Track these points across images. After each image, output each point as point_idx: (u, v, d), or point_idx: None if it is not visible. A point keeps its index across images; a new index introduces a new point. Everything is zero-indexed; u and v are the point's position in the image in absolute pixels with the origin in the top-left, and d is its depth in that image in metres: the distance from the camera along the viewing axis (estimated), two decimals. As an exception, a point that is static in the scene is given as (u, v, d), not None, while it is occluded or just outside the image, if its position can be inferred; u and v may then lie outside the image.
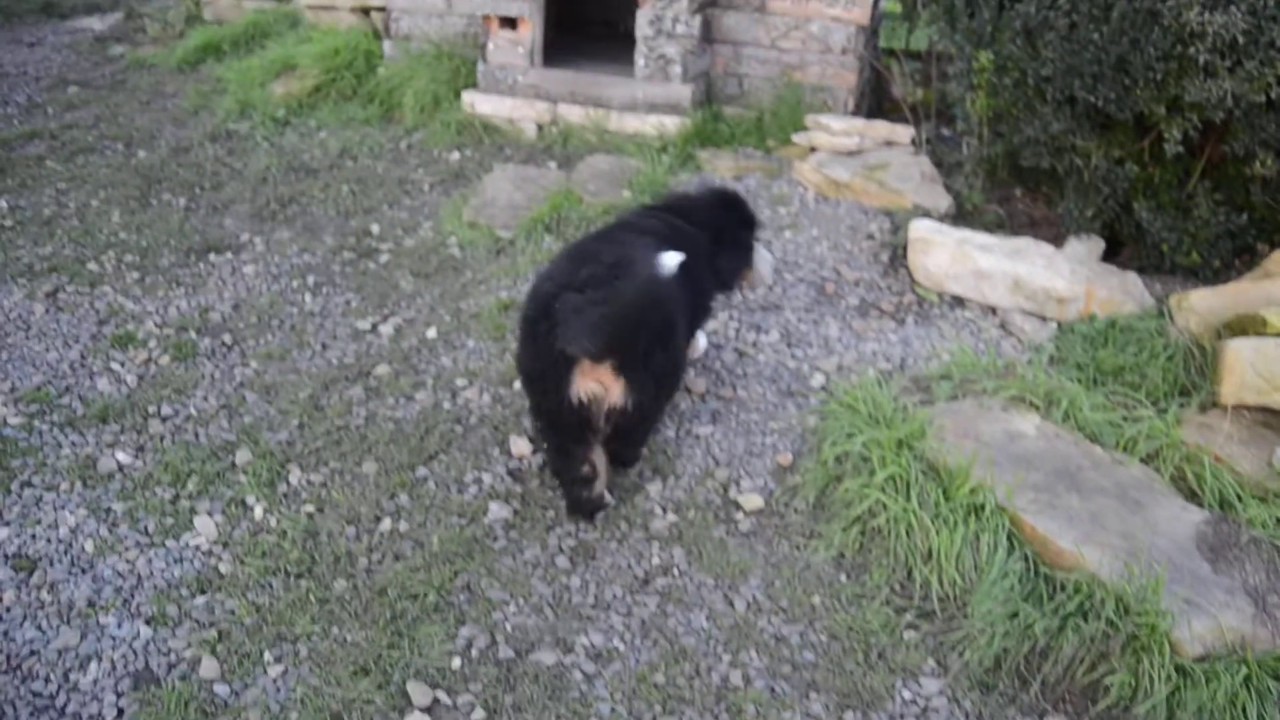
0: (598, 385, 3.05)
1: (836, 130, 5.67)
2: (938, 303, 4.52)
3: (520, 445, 3.69)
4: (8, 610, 3.00)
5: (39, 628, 2.95)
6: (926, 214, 5.01)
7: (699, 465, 3.62)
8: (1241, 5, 3.82)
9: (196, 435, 3.79)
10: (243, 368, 4.20)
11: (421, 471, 3.60)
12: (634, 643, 2.97)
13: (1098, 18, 4.22)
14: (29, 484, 3.50)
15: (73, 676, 2.80)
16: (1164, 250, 4.61)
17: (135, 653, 2.87)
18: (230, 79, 7.41)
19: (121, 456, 3.65)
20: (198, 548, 3.26)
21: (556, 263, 3.44)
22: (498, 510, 3.41)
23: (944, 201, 5.19)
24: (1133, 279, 4.41)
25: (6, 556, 3.19)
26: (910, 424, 3.46)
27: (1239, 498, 3.29)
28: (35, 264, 4.96)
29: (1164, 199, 4.59)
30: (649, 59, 6.16)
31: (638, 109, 6.23)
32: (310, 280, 4.89)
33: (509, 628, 2.99)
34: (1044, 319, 4.33)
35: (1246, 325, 3.71)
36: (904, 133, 5.74)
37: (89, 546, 3.24)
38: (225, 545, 3.28)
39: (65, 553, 3.22)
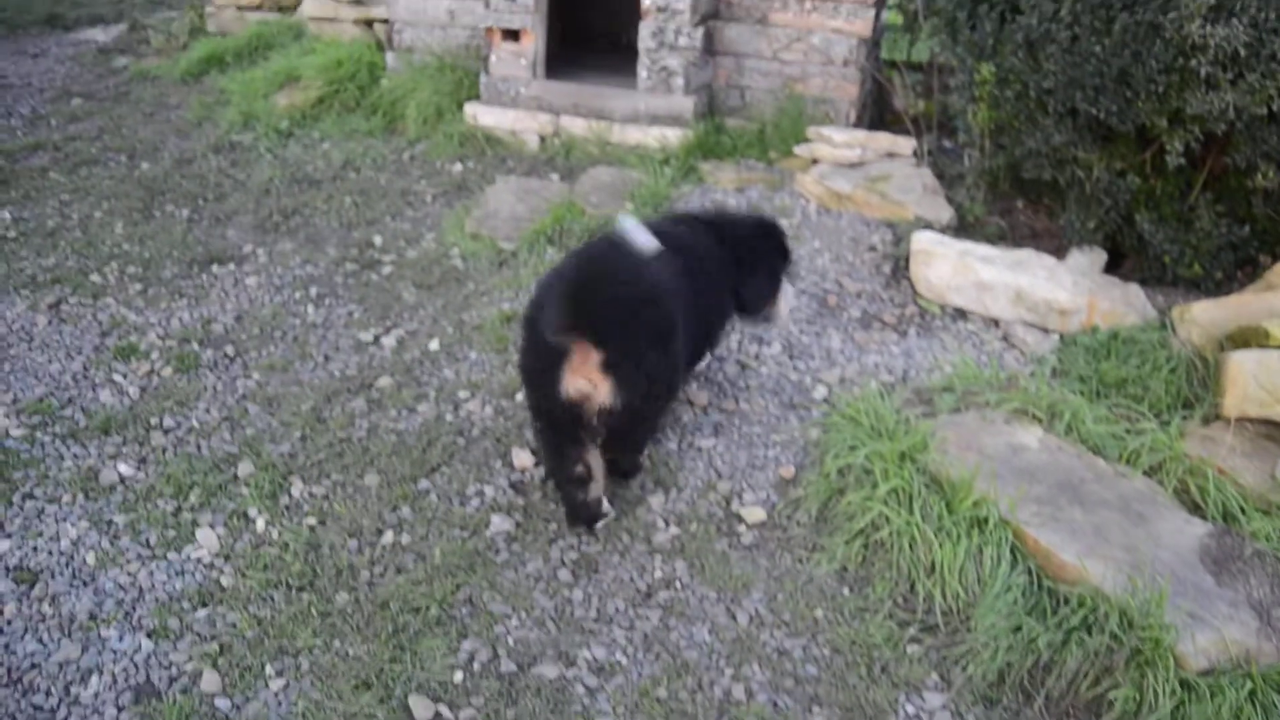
0: (587, 383, 3.04)
1: (838, 142, 5.68)
2: (940, 315, 4.52)
3: (522, 458, 3.69)
4: (9, 623, 2.99)
5: (40, 640, 2.94)
6: (928, 226, 5.02)
7: (701, 478, 3.62)
8: (1243, 18, 3.83)
9: (198, 447, 3.79)
10: (245, 379, 4.21)
11: (424, 484, 3.59)
12: (636, 656, 2.96)
13: (1099, 30, 4.22)
14: (31, 496, 3.50)
15: (74, 690, 2.79)
16: (1166, 262, 4.61)
17: (136, 666, 2.87)
18: (233, 90, 7.42)
19: (123, 468, 3.65)
20: (199, 560, 3.26)
21: (564, 261, 3.48)
22: (500, 523, 3.41)
23: (946, 213, 5.19)
24: (1135, 291, 4.41)
25: (8, 569, 3.19)
26: (913, 436, 3.45)
27: (1242, 510, 3.28)
28: (38, 275, 4.97)
29: (1166, 211, 4.59)
30: (651, 71, 6.17)
31: (640, 121, 6.24)
32: (313, 292, 4.89)
33: (511, 641, 2.99)
34: (1046, 331, 4.33)
35: (1249, 337, 3.71)
36: (906, 144, 5.75)
37: (90, 559, 3.24)
38: (227, 558, 3.27)
39: (67, 565, 3.22)
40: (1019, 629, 2.91)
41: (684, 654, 2.96)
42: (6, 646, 2.91)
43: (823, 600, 3.15)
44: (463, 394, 4.07)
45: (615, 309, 3.03)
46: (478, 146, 6.41)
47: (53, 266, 5.07)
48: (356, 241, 5.39)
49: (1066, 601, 2.94)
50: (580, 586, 3.19)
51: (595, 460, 3.31)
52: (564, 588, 3.18)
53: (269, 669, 2.87)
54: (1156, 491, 3.36)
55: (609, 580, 3.22)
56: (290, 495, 3.55)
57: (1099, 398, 3.83)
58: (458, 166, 6.23)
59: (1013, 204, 5.65)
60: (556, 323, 2.95)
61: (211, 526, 3.39)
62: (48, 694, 2.78)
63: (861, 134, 5.81)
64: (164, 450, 3.76)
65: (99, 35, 9.66)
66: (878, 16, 6.47)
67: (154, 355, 4.34)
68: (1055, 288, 4.31)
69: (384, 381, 4.16)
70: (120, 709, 2.74)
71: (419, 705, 2.76)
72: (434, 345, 4.41)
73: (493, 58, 6.48)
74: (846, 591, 3.18)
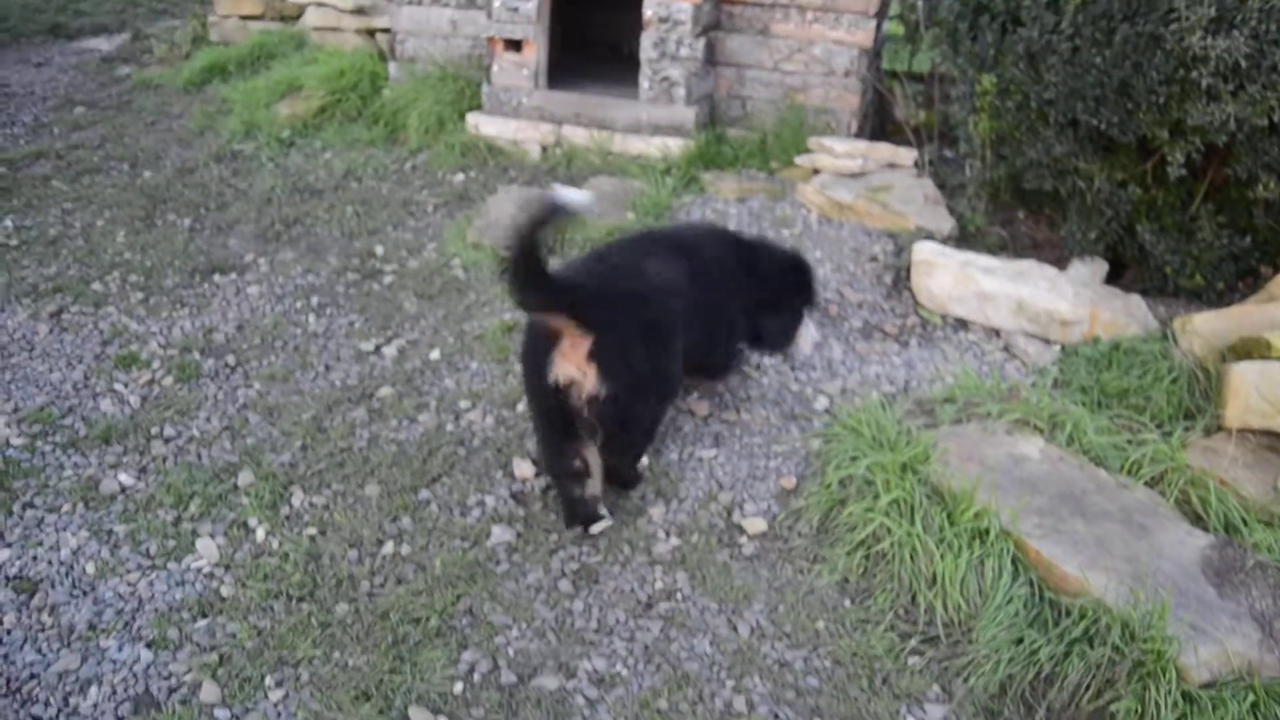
0: (575, 369, 3.09)
1: (839, 152, 5.68)
2: (941, 325, 4.52)
3: (523, 468, 3.69)
4: (8, 633, 2.99)
5: (39, 651, 2.94)
6: (929, 236, 5.02)
7: (702, 488, 3.61)
8: (1244, 30, 3.84)
9: (199, 457, 3.79)
10: (246, 389, 4.20)
11: (424, 494, 3.59)
12: (637, 668, 2.95)
13: (1100, 42, 4.23)
14: (31, 505, 3.50)
15: (73, 700, 2.79)
16: (1167, 273, 4.61)
17: (136, 676, 2.86)
18: (236, 100, 7.44)
19: (124, 478, 3.65)
20: (199, 570, 3.25)
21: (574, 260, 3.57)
22: (500, 533, 3.40)
23: (947, 224, 5.19)
24: (1136, 301, 4.41)
25: (7, 578, 3.19)
26: (914, 447, 3.45)
27: (1244, 521, 3.27)
28: (40, 284, 4.97)
29: (1167, 221, 4.59)
30: (653, 81, 6.18)
31: (642, 131, 6.25)
32: (314, 301, 4.89)
33: (511, 652, 2.98)
34: (1047, 341, 4.33)
35: (1250, 348, 3.71)
36: (907, 155, 5.76)
37: (90, 569, 3.24)
38: (227, 568, 3.27)
39: (66, 575, 3.22)
40: (1021, 641, 2.91)
41: (685, 665, 2.96)
42: (5, 657, 2.91)
43: (824, 612, 3.14)
44: (464, 404, 4.06)
45: (609, 299, 3.15)
46: (479, 156, 6.42)
47: (54, 275, 5.07)
48: (358, 251, 5.39)
49: (1068, 613, 2.93)
50: (581, 597, 3.19)
51: (593, 458, 3.33)
52: (565, 598, 3.18)
53: (268, 680, 2.86)
54: (1158, 503, 3.36)
55: (610, 591, 3.21)
56: (291, 505, 3.55)
57: (1100, 408, 3.82)
58: (459, 176, 6.24)
59: (1014, 214, 5.66)
60: (536, 298, 3.08)
61: (212, 536, 3.39)
62: (46, 704, 2.77)
63: (863, 144, 5.82)
64: (164, 460, 3.76)
65: (102, 44, 9.69)
66: (879, 27, 6.48)
67: (155, 364, 4.34)
68: (1057, 298, 4.31)
69: (385, 391, 4.16)
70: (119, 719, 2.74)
71: (419, 716, 2.75)
72: (435, 355, 4.41)
73: (495, 67, 6.49)
74: (848, 603, 3.18)
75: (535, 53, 6.39)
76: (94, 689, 2.82)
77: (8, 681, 2.83)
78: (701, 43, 6.11)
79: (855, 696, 2.87)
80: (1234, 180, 4.38)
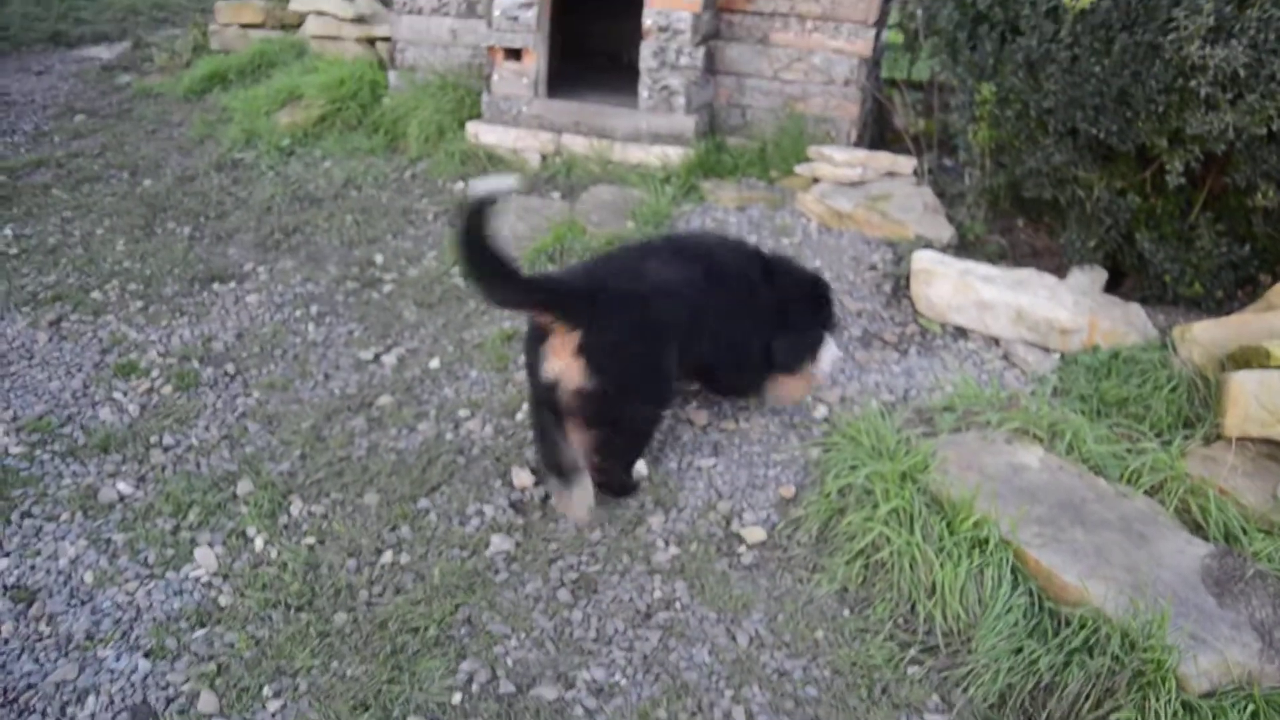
0: (563, 365, 3.17)
1: (839, 161, 5.69)
2: (940, 334, 4.51)
3: (522, 477, 3.68)
4: (5, 642, 2.98)
5: (36, 660, 2.93)
6: (929, 245, 5.02)
7: (701, 497, 3.61)
8: (1242, 39, 3.84)
9: (198, 465, 3.78)
10: (245, 398, 4.20)
11: (423, 503, 3.59)
12: (635, 678, 2.94)
13: (1099, 51, 4.24)
14: (29, 514, 3.50)
15: (70, 710, 2.78)
16: (1166, 281, 4.61)
17: (133, 686, 2.86)
18: (236, 108, 7.45)
19: (123, 487, 3.65)
20: (198, 579, 3.25)
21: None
22: (499, 543, 3.40)
23: (946, 232, 5.20)
24: (1135, 310, 4.41)
25: (5, 588, 3.18)
26: (914, 456, 3.45)
27: (1244, 530, 3.27)
28: (39, 292, 4.97)
29: (1166, 230, 4.59)
30: (653, 90, 6.19)
31: (641, 140, 6.25)
32: (313, 310, 4.90)
33: (510, 662, 2.97)
34: (1047, 350, 4.33)
35: (1250, 357, 3.71)
36: (906, 163, 5.76)
37: (89, 578, 3.23)
38: (225, 577, 3.26)
39: (64, 584, 3.21)
40: (1020, 650, 2.90)
41: (683, 675, 2.95)
42: (3, 666, 2.90)
43: (823, 621, 3.13)
44: (463, 413, 4.06)
45: (595, 296, 3.21)
46: (479, 165, 6.43)
47: (54, 284, 5.08)
48: (357, 260, 5.39)
49: (1068, 623, 2.93)
50: (580, 607, 3.18)
51: (585, 455, 3.37)
52: (563, 608, 3.17)
53: (266, 690, 2.86)
54: (1158, 511, 3.35)
55: (608, 600, 3.21)
56: (289, 514, 3.54)
57: (1100, 417, 3.82)
58: (459, 185, 6.24)
59: (1013, 223, 5.66)
60: (503, 295, 3.26)
61: (210, 545, 3.38)
62: (44, 715, 2.77)
63: (862, 153, 5.82)
64: (163, 468, 3.76)
65: (103, 52, 9.71)
66: (878, 36, 6.49)
67: (154, 373, 4.34)
68: (1056, 307, 4.31)
69: (384, 400, 4.16)
70: (117, 730, 2.73)
71: (417, 727, 2.74)
72: (434, 364, 4.40)
73: (495, 76, 6.50)
74: (847, 612, 3.17)
75: (535, 61, 6.40)
76: (91, 699, 2.81)
77: (4, 691, 2.82)
78: (701, 51, 6.12)
79: (854, 706, 2.87)
80: (1233, 189, 4.38)
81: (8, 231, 5.66)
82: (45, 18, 10.57)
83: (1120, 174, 4.62)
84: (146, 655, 2.95)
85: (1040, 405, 3.79)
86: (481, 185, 2.95)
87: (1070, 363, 4.21)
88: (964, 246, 5.21)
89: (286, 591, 3.19)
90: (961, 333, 4.51)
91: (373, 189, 6.24)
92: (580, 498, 3.44)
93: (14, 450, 3.80)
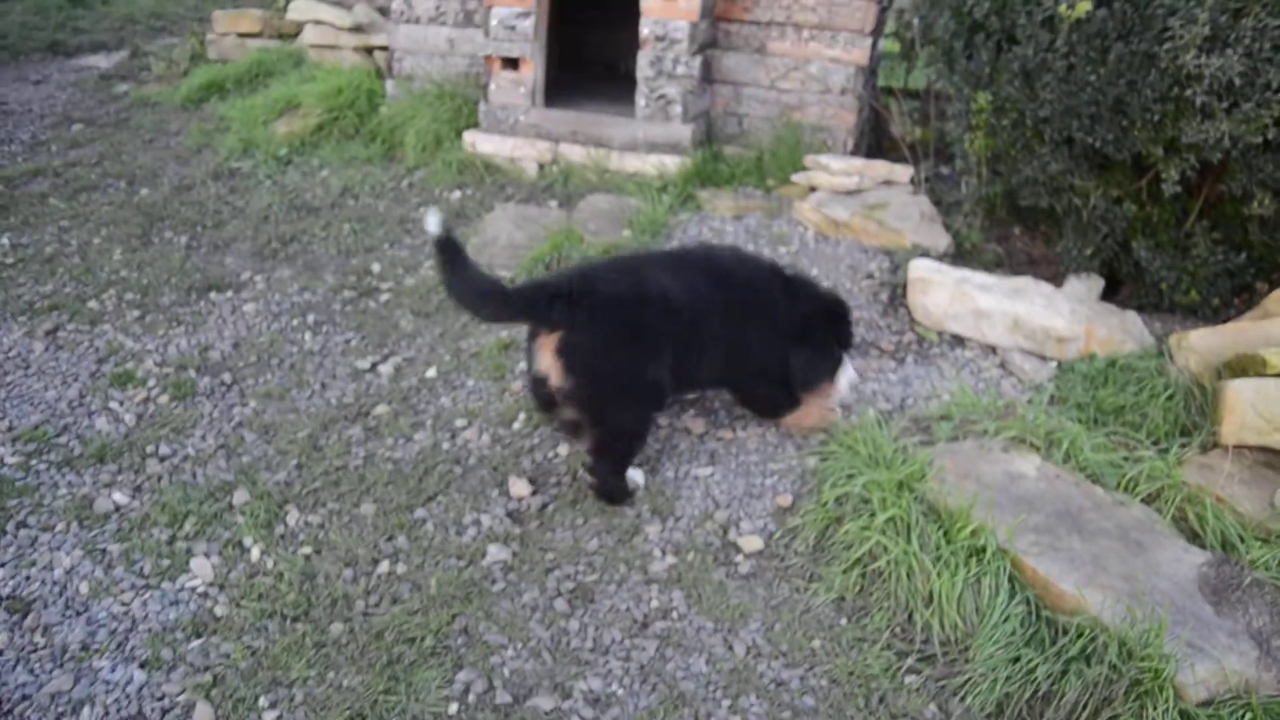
0: (549, 362, 3.34)
1: (836, 170, 5.70)
2: (937, 342, 4.52)
3: (519, 486, 3.68)
4: (0, 654, 2.97)
5: (31, 671, 2.92)
6: (925, 253, 5.03)
7: (698, 507, 3.61)
8: (1238, 48, 3.85)
9: (194, 475, 3.78)
10: (241, 407, 4.20)
11: (420, 513, 3.58)
12: (633, 687, 2.94)
13: (1095, 60, 4.25)
14: (24, 524, 3.49)
15: (65, 722, 2.78)
16: (1163, 289, 4.62)
17: (129, 697, 2.84)
18: (233, 117, 7.46)
19: (118, 497, 3.64)
20: (194, 590, 3.24)
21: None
22: (496, 552, 3.39)
23: (943, 240, 5.20)
24: (1132, 318, 4.41)
25: (0, 598, 3.17)
26: (911, 465, 3.45)
27: (1241, 539, 3.27)
28: (36, 302, 4.97)
29: (1162, 238, 4.60)
30: (649, 99, 6.20)
31: (638, 149, 6.26)
32: (310, 319, 4.89)
33: (507, 672, 2.97)
34: (1044, 358, 4.33)
35: (1246, 365, 3.71)
36: (903, 172, 5.77)
37: (84, 588, 3.22)
38: (221, 587, 3.25)
39: (60, 595, 3.20)
40: (1018, 659, 2.90)
41: (681, 685, 2.94)
42: (-2, 677, 2.90)
43: (820, 630, 3.13)
44: (460, 422, 4.06)
45: (574, 300, 3.30)
46: (476, 174, 6.43)
47: (50, 293, 5.07)
48: (355, 269, 5.39)
49: (1065, 631, 2.92)
50: (577, 616, 3.18)
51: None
52: (560, 618, 3.17)
53: (262, 701, 2.85)
54: (1155, 520, 3.35)
55: (605, 610, 3.20)
56: (286, 524, 3.53)
57: (1097, 425, 3.82)
58: (456, 194, 6.25)
59: (1010, 231, 5.67)
60: (490, 311, 3.54)
61: (206, 555, 3.38)
62: (39, 726, 2.76)
63: (859, 161, 5.83)
64: (159, 478, 3.75)
65: (100, 62, 9.72)
66: (875, 45, 6.51)
67: (151, 382, 4.34)
68: (1053, 315, 4.31)
69: (381, 409, 4.16)
70: (112, 741, 2.72)
71: (413, 737, 2.74)
72: (431, 373, 4.40)
73: (492, 86, 6.51)
74: (844, 621, 3.16)
75: (532, 71, 6.41)
76: (86, 710, 2.80)
77: None
78: (698, 61, 6.13)
79: (852, 716, 2.86)
80: (1229, 197, 4.39)
81: (4, 241, 5.65)
82: (43, 27, 10.59)
83: (1116, 182, 4.62)
84: (142, 666, 2.94)
85: (1037, 413, 3.80)
86: (429, 220, 3.20)
87: (1067, 371, 4.22)
88: (961, 255, 5.22)
89: (283, 602, 3.18)
90: (958, 341, 4.51)
91: (370, 198, 6.25)
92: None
93: (10, 460, 3.79)
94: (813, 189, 5.75)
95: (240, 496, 3.64)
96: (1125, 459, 3.59)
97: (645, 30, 6.07)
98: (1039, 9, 4.42)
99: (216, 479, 3.75)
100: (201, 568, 3.32)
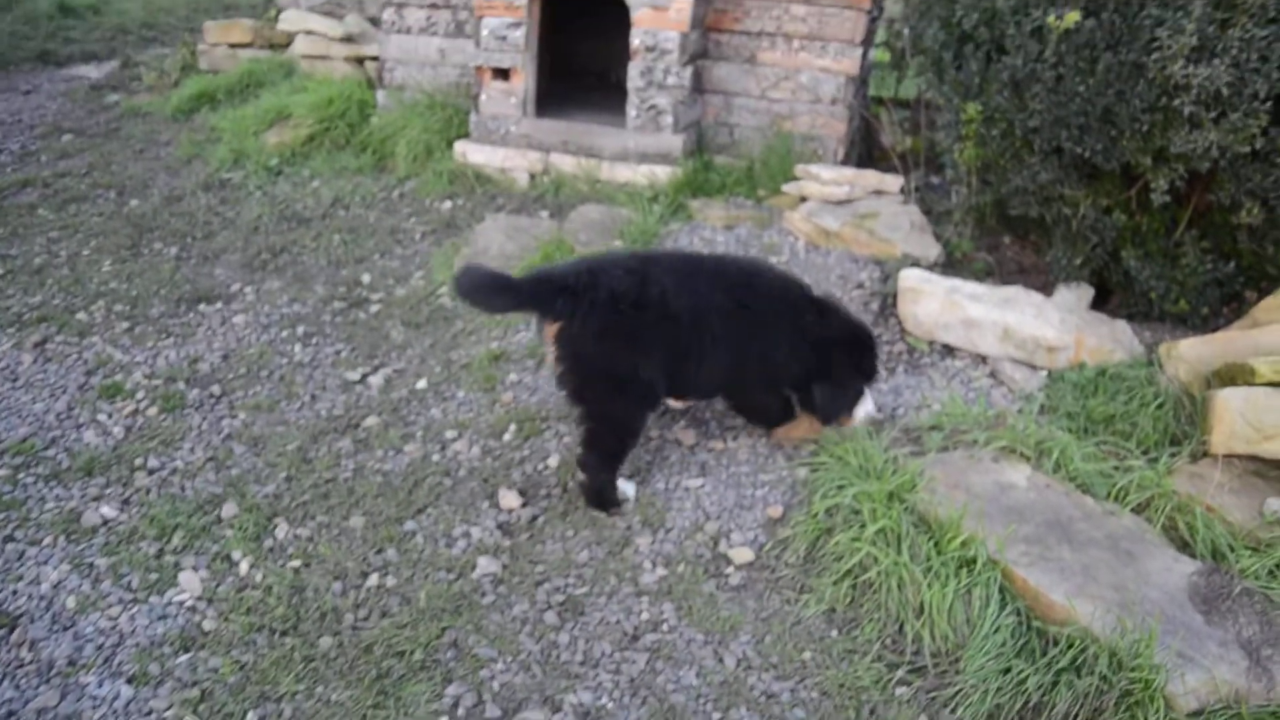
0: (551, 347, 3.49)
1: (826, 179, 5.70)
2: (928, 352, 4.52)
3: (509, 498, 3.67)
4: (-13, 669, 2.96)
5: (17, 687, 2.90)
6: (916, 263, 5.03)
7: (689, 518, 3.60)
8: (1225, 58, 3.86)
9: (183, 488, 3.76)
10: (231, 419, 4.18)
11: (409, 525, 3.57)
12: (623, 700, 2.92)
13: (1084, 70, 4.26)
14: (11, 538, 3.47)
15: (51, 738, 2.76)
16: (1152, 298, 4.63)
17: (116, 713, 2.83)
18: (224, 128, 7.45)
19: (106, 510, 3.62)
20: (182, 604, 3.22)
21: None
22: (486, 565, 3.38)
23: (933, 250, 5.21)
24: (1122, 327, 4.42)
25: (-13, 614, 3.16)
26: (901, 476, 3.44)
27: (1231, 548, 3.27)
28: (24, 313, 4.95)
29: (1152, 247, 4.61)
30: (640, 109, 6.20)
31: (629, 159, 6.26)
32: (300, 330, 4.88)
33: (496, 686, 2.95)
34: (1034, 368, 4.33)
35: (1235, 374, 3.71)
36: (893, 181, 5.77)
37: (71, 603, 3.20)
38: (210, 601, 3.24)
39: (46, 609, 3.18)
40: (1008, 670, 2.89)
41: (671, 698, 2.93)
42: (-16, 693, 2.88)
43: (811, 642, 3.12)
44: (450, 434, 4.05)
45: (572, 293, 3.38)
46: (467, 184, 6.43)
47: (39, 304, 5.05)
48: (345, 280, 5.38)
49: (1056, 642, 2.92)
50: (567, 629, 3.16)
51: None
52: (550, 630, 3.15)
53: (251, 715, 2.83)
54: (1145, 529, 3.35)
55: (595, 623, 3.19)
56: (274, 537, 3.52)
57: (1087, 435, 3.82)
58: (447, 204, 6.25)
59: (1000, 240, 5.68)
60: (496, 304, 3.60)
61: (194, 569, 3.36)
62: (25, 742, 2.74)
63: (849, 171, 5.84)
64: (147, 491, 3.73)
65: (91, 72, 9.71)
66: (865, 55, 6.52)
67: (139, 395, 4.32)
68: (1043, 324, 4.32)
69: (371, 421, 4.14)
70: (98, 757, 2.70)
71: (402, 752, 2.72)
72: (421, 384, 4.39)
73: (483, 96, 6.51)
74: (835, 633, 3.16)
75: (523, 81, 6.41)
76: (73, 726, 2.78)
77: (-15, 719, 2.80)
78: (689, 71, 6.14)
79: (843, 728, 2.85)
80: (1217, 206, 4.41)
81: (-7, 252, 5.64)
82: (34, 36, 10.57)
83: (1105, 192, 4.64)
84: (129, 681, 2.93)
85: (1027, 423, 3.80)
86: None
87: (1057, 380, 4.22)
88: (951, 264, 5.22)
89: (271, 616, 3.16)
90: (949, 350, 4.51)
91: (360, 209, 6.24)
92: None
93: (-3, 473, 3.78)
94: (803, 199, 5.75)
95: (229, 509, 3.62)
96: (1115, 468, 3.59)
97: (636, 41, 6.08)
98: (1028, 20, 4.44)
99: (205, 492, 3.73)
100: (190, 581, 3.30)
